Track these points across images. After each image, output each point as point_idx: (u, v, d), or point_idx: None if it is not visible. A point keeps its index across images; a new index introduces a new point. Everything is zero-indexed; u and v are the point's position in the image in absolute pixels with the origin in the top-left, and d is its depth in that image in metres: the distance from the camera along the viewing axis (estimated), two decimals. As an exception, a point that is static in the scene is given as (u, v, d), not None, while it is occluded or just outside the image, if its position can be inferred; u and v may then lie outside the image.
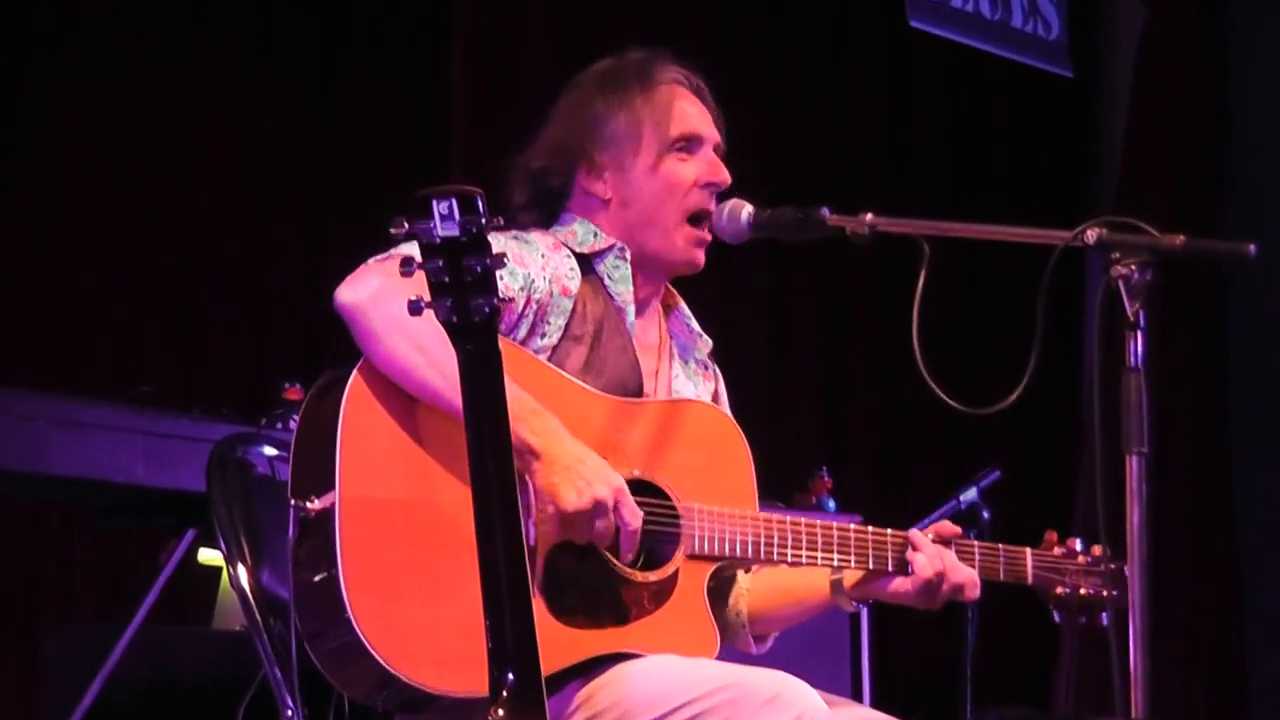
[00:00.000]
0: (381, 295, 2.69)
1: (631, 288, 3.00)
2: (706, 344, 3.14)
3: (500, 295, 2.27)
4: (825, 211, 2.96)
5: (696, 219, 3.02)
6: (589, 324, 2.94)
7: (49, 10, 5.23)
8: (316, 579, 2.64)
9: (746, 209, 3.02)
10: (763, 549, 2.89)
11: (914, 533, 3.00)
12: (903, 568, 2.99)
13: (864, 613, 4.78)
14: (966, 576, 3.00)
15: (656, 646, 2.77)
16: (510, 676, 2.23)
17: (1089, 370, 6.76)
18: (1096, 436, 2.75)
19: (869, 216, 2.92)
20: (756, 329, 6.48)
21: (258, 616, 3.39)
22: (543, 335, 2.90)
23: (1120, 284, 2.57)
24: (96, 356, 5.22)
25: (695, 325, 3.14)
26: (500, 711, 2.22)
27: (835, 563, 2.97)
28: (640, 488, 2.82)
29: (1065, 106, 7.26)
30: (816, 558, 2.94)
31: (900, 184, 6.81)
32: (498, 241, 2.29)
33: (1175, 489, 6.63)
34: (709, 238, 3.04)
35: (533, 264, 2.90)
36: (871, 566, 2.98)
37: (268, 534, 3.43)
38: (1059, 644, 6.58)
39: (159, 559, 4.13)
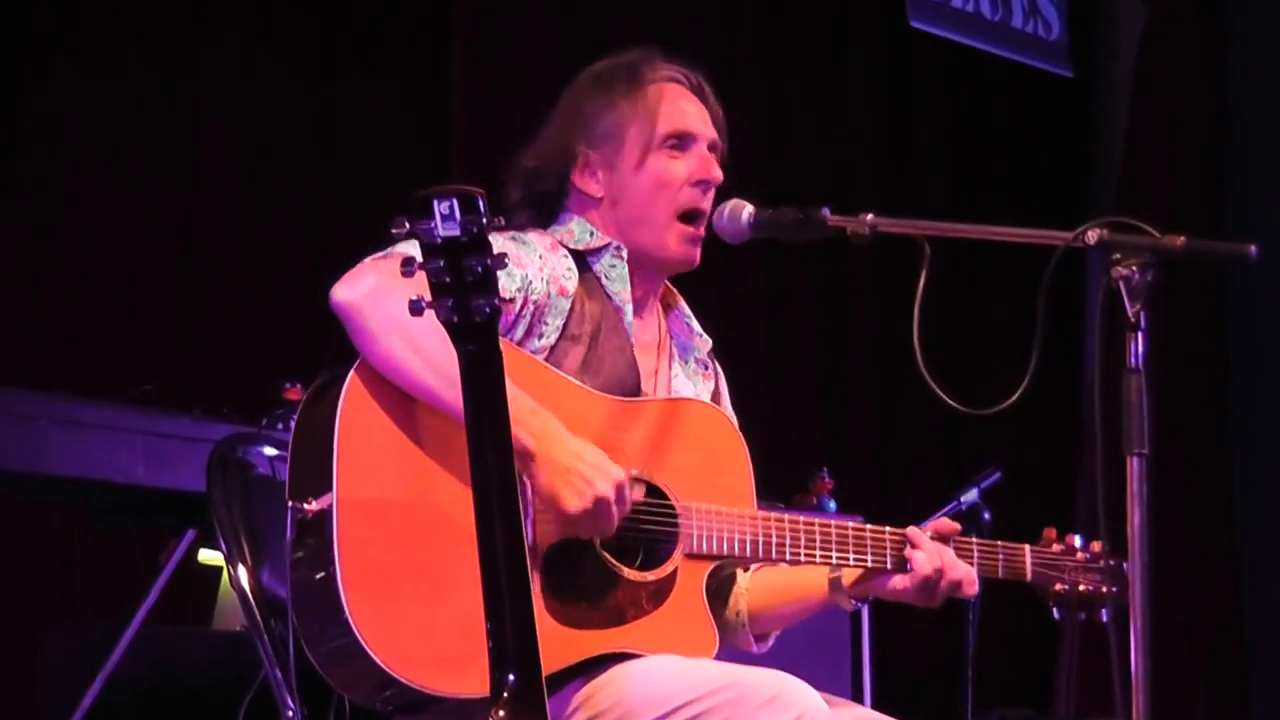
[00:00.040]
0: (378, 294, 2.68)
1: (629, 287, 2.99)
2: (706, 343, 3.13)
3: (501, 295, 2.27)
4: (826, 212, 2.95)
5: (688, 216, 3.01)
6: (586, 324, 2.93)
7: (49, 10, 5.23)
8: (314, 580, 2.64)
9: (747, 209, 3.01)
10: (761, 547, 2.89)
11: (912, 530, 3.00)
12: (901, 565, 2.98)
13: (864, 613, 4.78)
14: (964, 573, 2.99)
15: (656, 646, 2.76)
16: (511, 677, 2.23)
17: (1089, 371, 6.76)
18: (1097, 437, 2.74)
19: (869, 217, 2.91)
20: (756, 329, 6.48)
21: (258, 616, 3.39)
22: (540, 336, 2.89)
23: (1121, 285, 2.57)
24: (96, 356, 5.22)
25: (695, 324, 3.13)
26: (501, 713, 2.22)
27: (834, 560, 2.96)
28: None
29: (1065, 107, 7.27)
30: (815, 556, 2.93)
31: (900, 184, 6.81)
32: (496, 242, 2.28)
33: (1176, 490, 6.63)
34: (703, 234, 3.02)
35: (530, 265, 2.89)
36: (870, 564, 2.98)
37: (268, 534, 3.43)
38: (1059, 644, 6.58)
39: (159, 559, 4.12)
